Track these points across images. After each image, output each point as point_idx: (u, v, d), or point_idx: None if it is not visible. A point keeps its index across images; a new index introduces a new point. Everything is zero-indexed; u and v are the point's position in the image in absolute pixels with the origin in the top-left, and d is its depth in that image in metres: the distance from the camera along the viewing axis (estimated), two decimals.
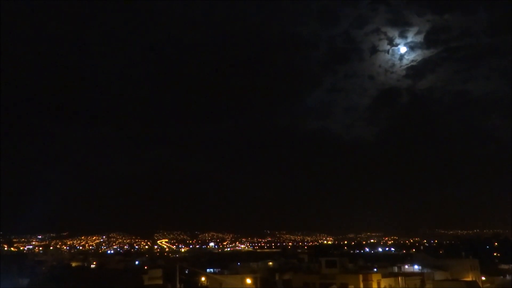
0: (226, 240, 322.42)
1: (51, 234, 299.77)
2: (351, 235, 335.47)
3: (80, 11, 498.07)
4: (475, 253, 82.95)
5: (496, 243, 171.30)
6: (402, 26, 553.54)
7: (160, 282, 57.76)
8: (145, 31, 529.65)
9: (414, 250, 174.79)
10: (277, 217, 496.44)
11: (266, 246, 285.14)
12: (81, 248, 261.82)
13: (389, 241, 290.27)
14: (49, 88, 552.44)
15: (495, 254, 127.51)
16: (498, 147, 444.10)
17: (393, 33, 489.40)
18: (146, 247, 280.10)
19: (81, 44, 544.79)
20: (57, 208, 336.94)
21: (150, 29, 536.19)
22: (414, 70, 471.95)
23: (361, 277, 51.54)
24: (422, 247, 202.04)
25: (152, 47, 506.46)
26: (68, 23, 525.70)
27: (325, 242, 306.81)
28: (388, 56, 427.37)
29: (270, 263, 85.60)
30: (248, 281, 54.29)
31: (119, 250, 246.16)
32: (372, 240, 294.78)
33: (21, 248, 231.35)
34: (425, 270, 63.58)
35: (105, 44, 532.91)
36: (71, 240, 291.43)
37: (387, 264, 74.70)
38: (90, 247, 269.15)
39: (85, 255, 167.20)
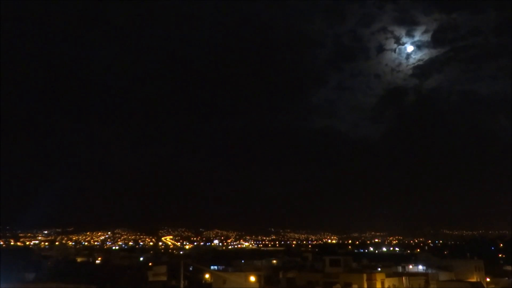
0: (231, 238, 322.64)
1: (57, 230, 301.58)
2: (356, 234, 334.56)
3: (87, 10, 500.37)
4: (480, 254, 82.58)
5: (501, 244, 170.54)
6: (409, 25, 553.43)
7: (164, 278, 57.86)
8: (151, 29, 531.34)
9: (418, 250, 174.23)
10: (282, 215, 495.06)
11: (270, 244, 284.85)
12: (86, 243, 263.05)
13: (394, 240, 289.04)
14: (55, 86, 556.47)
15: (500, 255, 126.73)
16: (505, 147, 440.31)
17: (400, 32, 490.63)
18: (151, 243, 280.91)
19: (87, 42, 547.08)
20: (63, 204, 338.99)
21: (156, 27, 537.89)
22: (421, 69, 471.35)
23: (365, 276, 51.58)
24: (426, 247, 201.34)
25: None
26: (75, 21, 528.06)
27: (329, 241, 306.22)
28: (394, 55, 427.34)
29: (274, 261, 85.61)
30: (252, 278, 54.44)
31: (124, 246, 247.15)
32: (376, 240, 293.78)
33: (27, 243, 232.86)
34: (429, 271, 63.45)
35: (110, 42, 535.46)
36: (77, 236, 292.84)
37: (391, 263, 74.48)
38: (95, 243, 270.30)
39: (90, 250, 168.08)
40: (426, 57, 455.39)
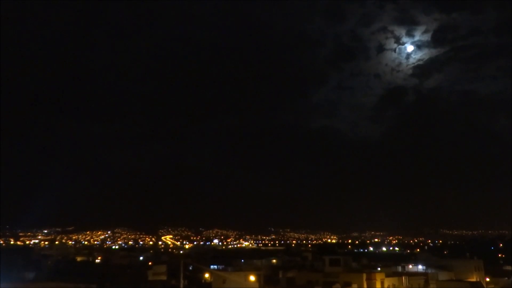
0: (230, 237, 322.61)
1: (57, 229, 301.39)
2: (355, 234, 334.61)
3: (87, 10, 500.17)
4: (480, 254, 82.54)
5: (501, 244, 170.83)
6: (409, 24, 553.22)
7: (164, 278, 57.90)
8: (151, 29, 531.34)
9: (418, 250, 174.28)
10: (282, 214, 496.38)
11: (270, 243, 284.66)
12: (86, 243, 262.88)
13: (393, 240, 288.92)
14: (55, 85, 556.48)
15: (499, 255, 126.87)
16: (505, 147, 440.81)
17: (400, 31, 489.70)
18: (151, 243, 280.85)
19: (87, 41, 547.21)
20: (63, 203, 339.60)
21: (156, 27, 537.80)
22: (421, 69, 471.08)
23: (364, 276, 51.56)
24: (426, 247, 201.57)
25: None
26: (75, 21, 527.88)
27: (329, 240, 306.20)
28: (394, 55, 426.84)
29: (274, 260, 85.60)
30: (252, 278, 54.41)
31: (124, 246, 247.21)
32: (376, 239, 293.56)
33: (27, 242, 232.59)
34: (429, 270, 63.46)
35: (110, 41, 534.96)
36: (77, 235, 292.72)
37: (391, 263, 74.47)
38: (95, 242, 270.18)
39: (90, 250, 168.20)
40: (426, 57, 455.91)
